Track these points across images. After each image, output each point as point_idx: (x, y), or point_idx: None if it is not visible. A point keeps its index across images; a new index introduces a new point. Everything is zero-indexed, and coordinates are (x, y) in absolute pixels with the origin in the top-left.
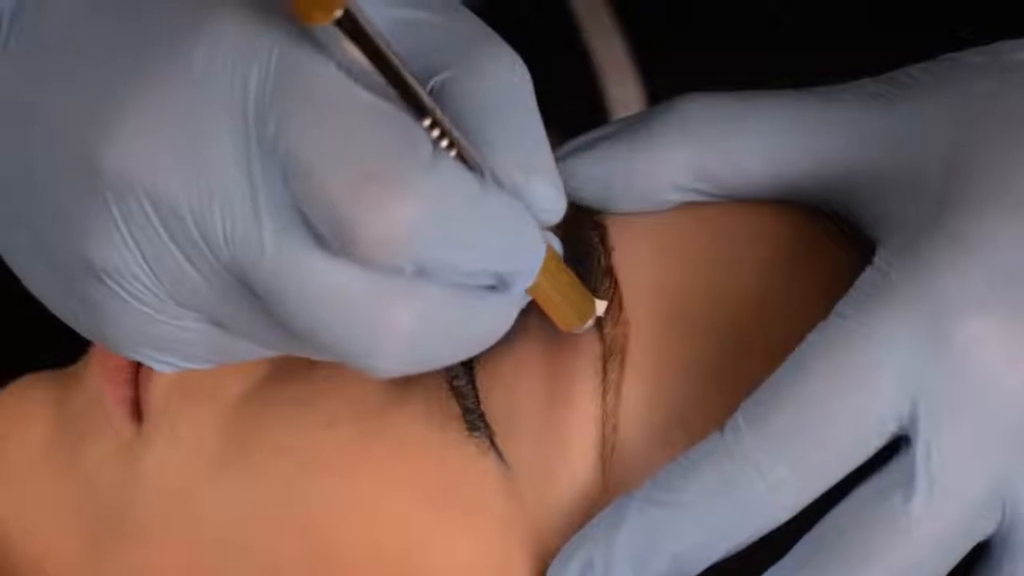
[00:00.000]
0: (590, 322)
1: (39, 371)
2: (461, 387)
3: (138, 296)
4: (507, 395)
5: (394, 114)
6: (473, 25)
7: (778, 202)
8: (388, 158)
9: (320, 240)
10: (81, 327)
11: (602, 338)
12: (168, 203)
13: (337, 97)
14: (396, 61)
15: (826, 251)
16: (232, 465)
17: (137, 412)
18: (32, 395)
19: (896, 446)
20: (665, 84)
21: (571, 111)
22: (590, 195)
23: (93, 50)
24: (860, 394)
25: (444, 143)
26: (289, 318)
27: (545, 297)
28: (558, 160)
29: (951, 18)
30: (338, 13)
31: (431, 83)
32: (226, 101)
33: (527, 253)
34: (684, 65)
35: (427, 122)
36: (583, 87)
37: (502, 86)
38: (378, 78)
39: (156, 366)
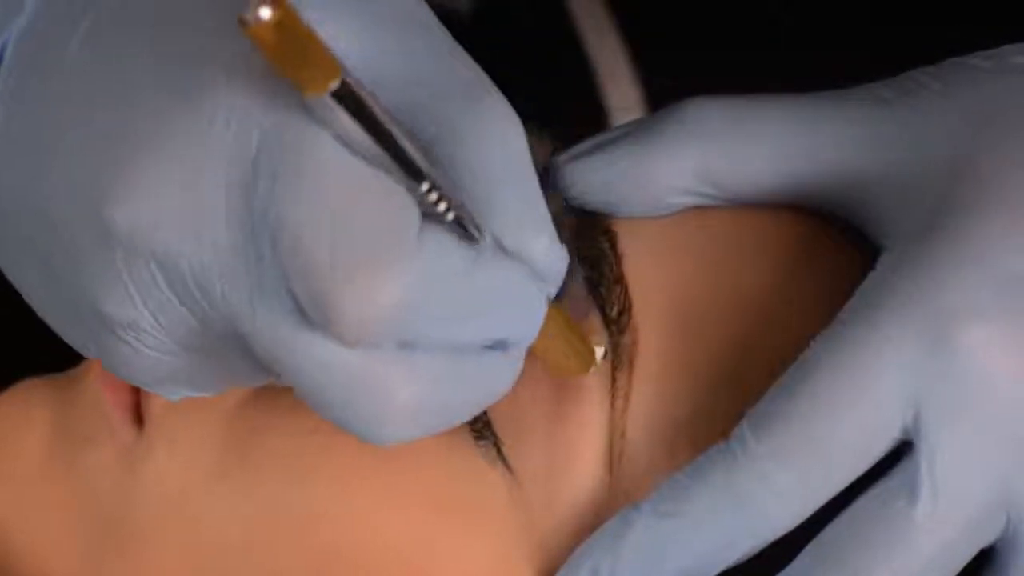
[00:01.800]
0: (592, 370)
1: (38, 375)
2: None
3: (149, 345)
4: (514, 403)
5: (384, 188)
6: (466, 75)
7: (783, 206)
8: (371, 238)
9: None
10: (91, 356)
11: (611, 345)
12: (172, 266)
13: (328, 170)
14: (393, 128)
15: (831, 256)
16: (231, 471)
17: (137, 417)
18: (32, 399)
19: (900, 452)
20: (663, 84)
21: (568, 111)
22: (596, 199)
23: (100, 100)
24: (864, 401)
25: (443, 207)
26: (292, 386)
27: (544, 351)
28: (563, 164)
29: (951, 18)
30: (334, 85)
31: (427, 136)
32: (227, 166)
33: (526, 318)
34: (682, 65)
35: (425, 187)
36: (580, 87)
37: (498, 145)
38: (374, 146)
39: (168, 396)
